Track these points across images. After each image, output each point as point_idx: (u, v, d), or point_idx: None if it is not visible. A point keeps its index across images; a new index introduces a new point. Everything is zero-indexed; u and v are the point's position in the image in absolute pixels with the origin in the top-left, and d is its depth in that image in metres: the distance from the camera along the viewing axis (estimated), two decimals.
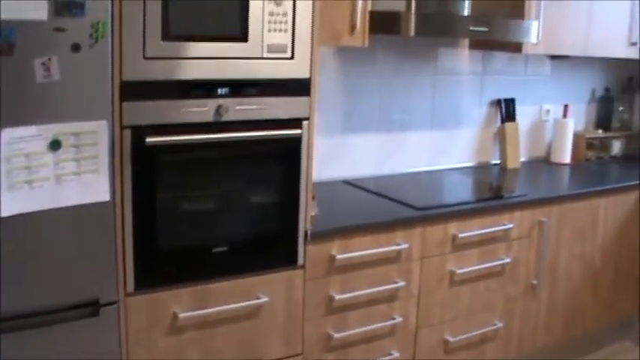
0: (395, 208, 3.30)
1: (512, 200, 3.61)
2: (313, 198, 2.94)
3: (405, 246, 3.16)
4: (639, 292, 4.46)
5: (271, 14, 2.64)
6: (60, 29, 2.20)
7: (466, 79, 4.20)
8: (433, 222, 3.26)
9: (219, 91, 2.58)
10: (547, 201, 3.74)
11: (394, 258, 3.15)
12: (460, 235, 3.34)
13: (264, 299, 2.81)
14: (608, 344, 4.45)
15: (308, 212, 2.86)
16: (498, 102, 4.33)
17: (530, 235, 3.69)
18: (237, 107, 2.61)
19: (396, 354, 3.29)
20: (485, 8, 3.76)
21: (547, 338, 3.97)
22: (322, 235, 2.91)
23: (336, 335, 3.05)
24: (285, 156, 2.78)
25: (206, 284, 2.69)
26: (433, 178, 4.00)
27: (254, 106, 2.65)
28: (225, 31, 2.58)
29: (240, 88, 2.62)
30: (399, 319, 3.25)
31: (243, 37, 2.60)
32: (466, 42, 4.14)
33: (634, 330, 4.52)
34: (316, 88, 2.81)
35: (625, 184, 4.19)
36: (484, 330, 3.62)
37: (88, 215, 2.37)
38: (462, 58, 4.17)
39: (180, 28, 2.47)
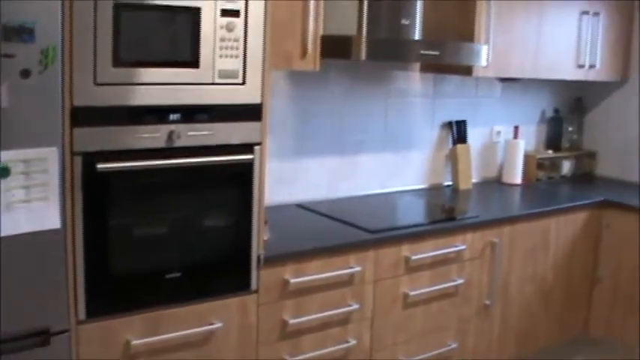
0: (348, 231, 3.31)
1: (464, 222, 3.64)
2: (266, 222, 2.95)
3: (358, 269, 3.17)
4: (589, 310, 4.52)
5: (223, 40, 2.65)
6: (9, 55, 2.18)
7: (418, 101, 4.24)
8: (386, 245, 3.27)
9: (171, 117, 2.58)
10: (499, 222, 3.78)
11: (347, 281, 3.16)
12: (413, 257, 3.36)
13: (217, 325, 2.79)
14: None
15: (260, 237, 2.86)
16: (450, 124, 4.38)
17: (483, 255, 3.72)
18: (189, 133, 2.61)
19: None
20: (436, 33, 3.81)
21: (500, 358, 4.00)
22: (275, 259, 2.91)
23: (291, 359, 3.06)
24: (238, 181, 2.78)
25: (159, 310, 2.67)
26: (386, 200, 4.02)
27: (206, 132, 2.65)
28: (176, 57, 2.58)
29: (192, 113, 2.62)
30: (353, 342, 3.25)
31: (194, 62, 2.60)
32: (417, 65, 4.18)
33: (585, 346, 4.58)
34: (268, 113, 2.82)
35: (575, 204, 4.26)
36: (438, 351, 3.63)
37: (39, 243, 2.34)
38: (413, 80, 4.21)
39: (131, 54, 2.47)
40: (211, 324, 2.78)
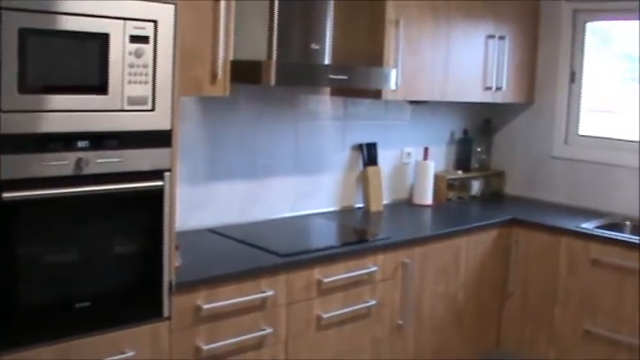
0: (259, 255, 3.31)
1: (375, 243, 3.69)
2: (177, 248, 2.93)
3: (270, 293, 3.17)
4: (500, 325, 4.61)
5: (131, 66, 2.63)
6: None
7: (328, 124, 4.28)
8: (297, 268, 3.29)
9: (79, 144, 2.54)
10: (410, 243, 3.84)
11: (260, 305, 3.16)
12: (325, 280, 3.38)
13: (129, 353, 2.75)
14: None
15: (172, 263, 2.84)
16: (360, 146, 4.43)
17: (395, 276, 3.77)
18: (98, 160, 2.58)
19: None
20: (346, 57, 3.86)
21: None
22: (187, 285, 2.89)
23: None
24: (148, 207, 2.76)
25: (70, 341, 2.61)
26: (297, 223, 4.04)
27: (115, 159, 2.63)
28: (85, 83, 2.55)
29: (100, 141, 2.59)
30: None
31: (102, 89, 2.58)
32: (328, 89, 4.22)
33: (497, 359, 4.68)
34: (177, 139, 2.81)
35: (485, 223, 4.36)
36: None
37: None
38: (324, 104, 4.25)
39: (37, 80, 2.43)
40: (123, 353, 2.74)
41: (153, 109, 2.71)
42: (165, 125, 2.75)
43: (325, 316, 3.42)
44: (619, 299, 4.11)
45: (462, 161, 5.16)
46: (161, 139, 2.75)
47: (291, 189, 4.13)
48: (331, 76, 3.55)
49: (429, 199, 4.72)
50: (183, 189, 3.51)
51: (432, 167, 4.75)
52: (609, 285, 4.14)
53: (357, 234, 3.96)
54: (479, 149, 5.28)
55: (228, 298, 3.03)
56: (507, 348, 4.63)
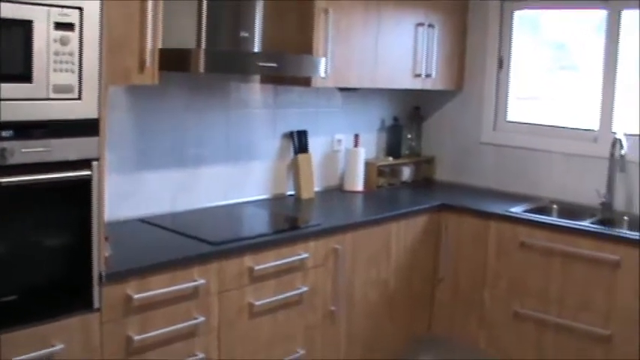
0: (191, 244, 3.29)
1: (306, 230, 3.70)
2: (107, 239, 2.90)
3: (202, 282, 3.16)
4: (431, 310, 4.67)
5: (57, 54, 2.58)
6: None
7: (259, 112, 4.27)
8: (229, 256, 3.28)
9: (3, 133, 2.48)
10: (341, 229, 3.86)
11: (192, 294, 3.15)
12: (257, 268, 3.39)
13: (59, 347, 2.70)
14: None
15: (101, 254, 2.81)
16: (291, 134, 4.43)
17: (326, 263, 3.79)
18: (23, 150, 2.53)
19: None
20: (276, 45, 3.86)
21: None
22: (117, 276, 2.86)
23: None
24: (76, 198, 2.71)
25: None
26: (229, 212, 4.02)
27: (41, 149, 2.58)
28: (8, 72, 2.49)
29: (25, 130, 2.53)
30: (200, 355, 3.23)
31: (27, 77, 2.53)
32: (258, 77, 4.21)
33: (430, 346, 4.73)
34: (105, 127, 2.77)
35: (415, 209, 4.41)
36: (287, 359, 3.67)
37: None
38: (254, 92, 4.24)
39: None
40: (52, 346, 2.69)
41: (79, 98, 2.66)
42: (92, 114, 2.71)
43: (257, 303, 3.43)
44: (546, 281, 4.20)
45: (393, 148, 5.20)
46: (88, 128, 2.70)
47: (223, 177, 4.12)
48: (261, 64, 3.54)
49: (359, 186, 4.75)
50: (113, 179, 3.49)
51: (363, 154, 4.78)
52: (537, 267, 4.23)
53: (288, 221, 3.97)
54: (409, 136, 5.33)
55: (159, 288, 3.01)
56: (439, 332, 4.69)
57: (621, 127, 4.54)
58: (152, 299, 3.00)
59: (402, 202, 4.69)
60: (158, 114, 3.76)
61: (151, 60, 3.16)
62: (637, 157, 4.46)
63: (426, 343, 4.75)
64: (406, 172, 5.16)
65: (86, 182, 2.71)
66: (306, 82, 3.98)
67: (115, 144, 3.50)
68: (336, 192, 4.74)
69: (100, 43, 2.71)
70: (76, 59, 2.64)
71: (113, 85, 3.26)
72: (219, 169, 4.09)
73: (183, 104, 3.87)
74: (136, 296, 2.93)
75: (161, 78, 3.25)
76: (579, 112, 4.81)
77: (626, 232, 4.11)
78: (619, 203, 4.56)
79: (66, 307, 2.74)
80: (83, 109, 2.69)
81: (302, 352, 3.74)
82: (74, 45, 2.63)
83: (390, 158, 5.11)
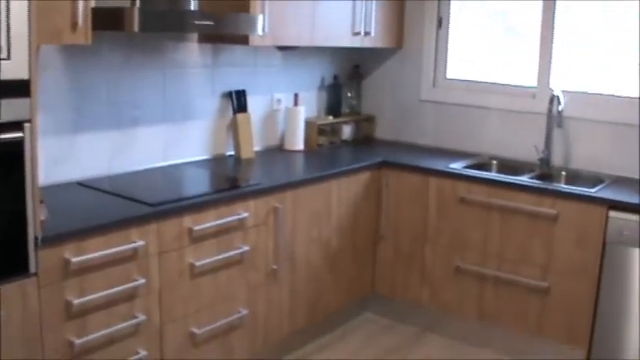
0: (129, 206, 3.25)
1: (246, 189, 3.68)
2: (42, 202, 2.85)
3: (141, 243, 3.13)
4: (374, 269, 4.71)
5: None
6: None
7: (197, 72, 4.21)
8: (167, 217, 3.25)
9: None
10: (281, 188, 3.85)
11: (131, 256, 3.12)
12: (196, 228, 3.37)
13: None
14: (352, 318, 4.69)
15: (37, 217, 2.76)
16: (230, 94, 4.39)
17: (267, 222, 3.78)
18: None
19: (143, 352, 3.26)
20: (213, 4, 3.81)
21: (293, 321, 4.10)
22: (54, 239, 2.81)
23: (78, 341, 2.96)
24: (8, 161, 2.65)
25: None
26: (168, 173, 3.98)
27: None
28: None
29: None
30: (142, 318, 3.22)
31: None
32: (195, 36, 4.15)
33: (373, 305, 4.77)
34: (37, 88, 2.71)
35: (355, 166, 4.41)
36: (229, 319, 3.67)
37: None
38: (191, 51, 4.18)
39: None
40: None
41: (8, 58, 2.59)
42: (22, 74, 2.64)
43: (198, 264, 3.41)
44: (486, 235, 4.26)
45: (333, 107, 5.19)
46: (19, 88, 2.63)
47: (161, 138, 4.07)
48: (197, 22, 3.48)
49: (300, 145, 4.74)
50: (48, 141, 3.44)
51: (303, 113, 4.76)
52: (477, 222, 4.28)
53: (227, 181, 3.94)
54: (349, 94, 5.32)
55: (97, 250, 2.97)
56: (382, 291, 4.74)
57: (559, 84, 4.59)
58: (90, 262, 2.96)
59: (342, 160, 4.68)
60: (93, 74, 3.69)
61: (83, 19, 3.08)
62: (574, 112, 4.51)
63: (369, 300, 4.79)
64: (347, 131, 5.16)
65: (18, 144, 2.65)
66: (243, 40, 3.94)
67: (49, 106, 3.44)
68: (277, 151, 4.71)
69: (29, 2, 2.63)
70: (3, 19, 2.56)
71: (45, 45, 3.18)
72: (157, 130, 4.04)
73: (120, 64, 3.80)
74: (74, 259, 2.89)
75: (95, 37, 3.17)
76: (518, 70, 4.84)
77: (563, 187, 4.17)
78: (557, 158, 4.63)
79: (2, 273, 2.68)
80: (13, 70, 2.61)
81: (245, 311, 3.74)
82: (1, 4, 2.55)
83: (331, 117, 5.10)
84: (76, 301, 2.93)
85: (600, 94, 4.51)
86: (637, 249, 3.80)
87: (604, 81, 4.52)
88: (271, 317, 3.95)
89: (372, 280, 4.73)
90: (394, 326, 4.69)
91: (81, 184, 3.61)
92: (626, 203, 3.83)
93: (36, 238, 2.76)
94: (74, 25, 3.06)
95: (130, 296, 3.16)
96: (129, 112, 3.88)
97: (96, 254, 2.97)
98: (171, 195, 3.45)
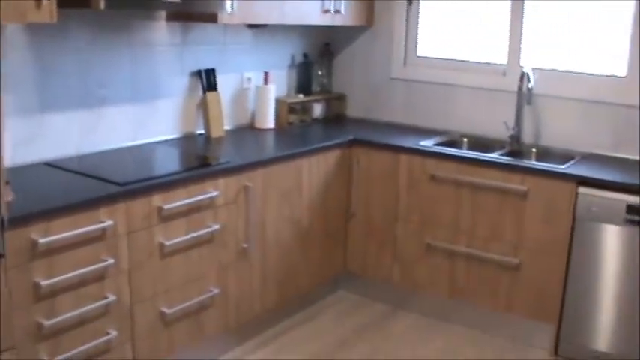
0: (98, 186, 3.22)
1: (216, 168, 3.66)
2: (8, 183, 2.82)
3: (110, 223, 3.11)
4: (345, 247, 4.71)
5: None
6: None
7: (166, 50, 4.17)
8: (136, 196, 3.23)
9: None
10: (251, 166, 3.84)
11: (100, 236, 3.10)
12: (166, 207, 3.35)
13: None
14: (324, 296, 4.70)
15: (2, 198, 2.72)
16: (199, 72, 4.36)
17: (237, 200, 3.77)
18: None
19: (114, 333, 3.25)
20: None
21: (264, 300, 4.10)
22: (20, 220, 2.78)
23: (47, 322, 2.95)
24: None
25: None
26: (137, 152, 3.95)
27: None
28: None
29: None
30: (112, 298, 3.20)
31: None
32: (164, 14, 4.11)
33: (346, 281, 4.78)
34: (1, 68, 2.67)
35: (326, 144, 4.40)
36: (200, 298, 3.66)
37: None
38: (160, 30, 4.13)
39: None
40: None
41: None
42: None
43: (168, 243, 3.40)
44: (457, 212, 4.27)
45: (303, 85, 5.17)
46: None
47: (130, 118, 4.03)
48: (164, 0, 3.46)
49: (270, 124, 4.72)
50: (15, 122, 3.41)
51: (273, 91, 4.73)
52: (447, 199, 4.29)
53: (197, 160, 3.91)
54: (320, 72, 5.30)
55: (65, 231, 2.95)
56: (354, 269, 4.75)
57: (529, 61, 4.60)
58: (58, 243, 2.94)
59: (313, 138, 4.67)
60: (60, 54, 3.64)
61: None
62: (545, 90, 4.53)
63: (341, 278, 4.80)
64: (317, 109, 5.15)
65: None
66: (212, 18, 3.90)
67: (15, 86, 3.40)
68: (247, 130, 4.69)
69: None
70: None
71: (9, 23, 3.14)
72: (125, 110, 4.00)
73: (87, 43, 3.75)
74: (42, 240, 2.87)
75: (61, 16, 3.12)
76: (489, 48, 4.85)
77: (533, 163, 4.20)
78: (527, 136, 4.64)
79: None
80: None
81: (216, 290, 3.74)
82: None
83: (301, 95, 5.07)
84: (44, 283, 2.91)
85: (570, 72, 4.52)
86: (606, 225, 3.84)
87: (574, 58, 4.53)
88: (242, 296, 3.95)
89: (343, 259, 4.74)
90: (366, 304, 4.71)
91: (49, 164, 3.58)
92: (595, 179, 3.85)
93: (2, 219, 2.72)
94: (39, 2, 3.01)
95: (99, 276, 3.14)
96: (97, 91, 3.84)
97: (64, 235, 2.95)
98: (140, 174, 3.43)
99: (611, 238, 3.85)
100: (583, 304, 3.98)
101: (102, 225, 3.09)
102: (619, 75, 4.36)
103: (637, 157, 4.30)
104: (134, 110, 4.04)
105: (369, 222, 4.62)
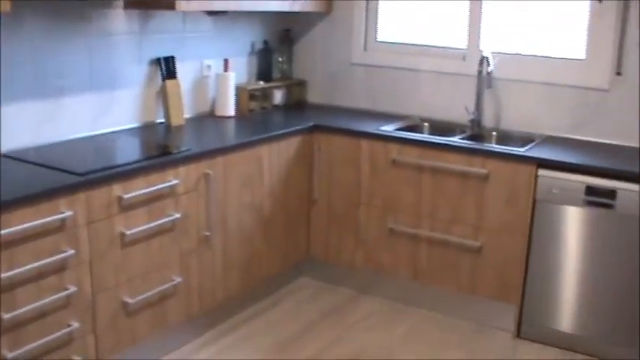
0: (56, 176, 3.18)
1: (176, 156, 3.63)
2: None
3: (69, 213, 3.08)
4: (308, 233, 4.72)
5: None
6: None
7: (124, 39, 4.12)
8: (96, 186, 3.20)
9: None
10: (211, 154, 3.82)
11: (59, 227, 3.06)
12: (126, 196, 3.32)
13: None
14: (288, 283, 4.71)
15: None
16: (158, 60, 4.32)
17: (198, 188, 3.75)
18: None
19: (75, 324, 3.22)
20: None
21: (227, 288, 4.09)
22: None
23: (7, 316, 2.91)
24: None
25: None
26: (97, 142, 3.91)
27: None
28: None
29: None
30: (73, 289, 3.17)
31: None
32: (121, 2, 4.06)
33: (309, 266, 4.78)
34: None
35: (287, 131, 4.38)
36: (163, 287, 3.64)
37: None
38: (117, 18, 4.08)
39: None
40: None
41: None
42: None
43: (129, 232, 3.37)
44: (419, 196, 4.29)
45: (264, 72, 5.15)
46: None
47: (89, 107, 3.98)
48: None
49: (231, 111, 4.70)
50: None
51: (233, 79, 4.70)
52: (409, 183, 4.30)
53: (157, 148, 3.87)
54: (280, 59, 5.29)
55: (24, 222, 2.91)
56: (317, 255, 4.75)
57: (488, 46, 4.62)
58: (17, 235, 2.90)
59: (273, 125, 4.65)
60: (15, 44, 3.57)
61: None
62: (505, 74, 4.56)
63: (304, 264, 4.80)
64: (278, 96, 5.13)
65: None
66: (169, 5, 3.86)
67: None
68: (208, 118, 4.66)
69: None
70: None
71: None
72: (84, 99, 3.95)
73: (43, 33, 3.69)
74: (1, 232, 2.82)
75: (15, 5, 3.09)
76: (449, 32, 4.86)
77: (494, 147, 4.21)
78: (488, 119, 4.67)
79: None
80: None
81: (178, 279, 3.72)
82: None
83: (261, 82, 5.05)
84: (3, 275, 2.87)
85: (530, 55, 4.55)
86: (566, 206, 3.87)
87: (533, 42, 4.55)
88: (205, 284, 3.93)
89: (306, 244, 4.74)
90: (330, 289, 4.72)
91: (6, 156, 3.52)
92: (555, 161, 3.89)
93: None
94: None
95: (59, 268, 3.11)
96: (54, 81, 3.78)
97: (23, 226, 2.91)
98: (99, 164, 3.39)
99: (572, 220, 3.89)
100: (545, 286, 4.02)
101: (61, 215, 3.05)
102: (578, 58, 4.40)
103: (596, 139, 4.35)
104: (93, 100, 3.99)
105: (331, 207, 4.62)
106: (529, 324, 4.12)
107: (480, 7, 4.65)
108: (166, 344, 3.81)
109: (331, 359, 3.89)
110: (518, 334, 4.17)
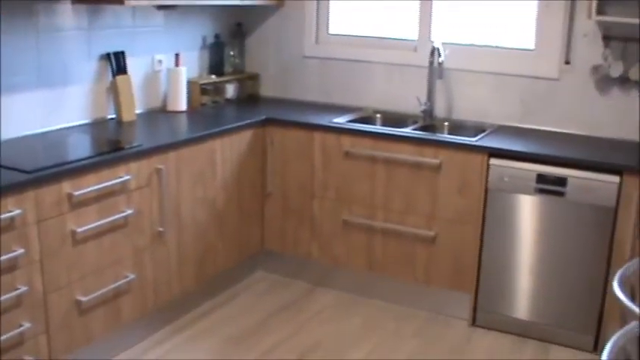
0: (4, 175, 3.11)
1: (127, 152, 3.60)
2: None
3: (18, 212, 3.03)
4: (262, 226, 4.71)
5: None
6: None
7: (72, 35, 4.07)
8: (45, 183, 3.15)
9: None
10: (162, 149, 3.80)
11: (8, 226, 3.01)
12: (76, 193, 3.28)
13: None
14: (243, 277, 4.70)
15: None
16: (108, 56, 4.28)
17: (150, 184, 3.73)
18: None
19: (27, 324, 3.18)
20: None
21: (182, 283, 4.08)
22: None
23: None
24: None
25: None
26: (46, 139, 3.85)
27: None
28: None
29: None
30: (24, 289, 3.13)
31: None
32: None
33: (265, 260, 4.78)
34: None
35: (238, 124, 4.38)
36: (116, 284, 3.62)
37: None
38: (65, 13, 4.03)
39: None
40: None
41: None
42: None
43: (80, 230, 3.34)
44: (372, 188, 4.31)
45: (216, 66, 5.12)
46: None
47: (38, 104, 3.92)
48: None
49: (182, 106, 4.67)
50: None
51: (185, 73, 4.68)
52: (362, 175, 4.32)
53: (108, 144, 3.82)
54: (232, 53, 5.26)
55: None
56: (272, 248, 4.75)
57: (439, 36, 4.64)
58: None
59: (226, 119, 4.63)
60: None
61: None
62: (456, 64, 4.59)
63: (259, 258, 4.80)
64: (230, 90, 5.11)
65: None
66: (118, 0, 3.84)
67: None
68: (159, 113, 4.62)
69: None
70: None
71: None
72: (33, 96, 3.88)
73: None
74: None
75: None
76: (400, 24, 4.88)
77: (446, 137, 4.25)
78: (439, 110, 4.70)
79: None
80: None
81: (132, 275, 3.69)
82: None
83: (213, 76, 5.03)
84: None
85: (480, 46, 4.59)
86: (518, 194, 3.91)
87: (484, 33, 4.59)
88: (160, 280, 3.91)
89: (261, 238, 4.74)
90: (286, 282, 4.72)
91: None
92: (506, 150, 3.93)
93: None
94: None
95: (9, 267, 3.06)
96: (1, 79, 3.71)
97: None
98: (48, 161, 3.34)
99: (524, 207, 3.93)
100: (499, 274, 4.06)
101: (10, 214, 3.01)
102: (528, 48, 4.45)
103: (546, 128, 4.40)
104: (42, 96, 3.94)
105: (285, 200, 4.62)
106: (484, 311, 4.16)
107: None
108: (121, 342, 3.79)
109: (287, 352, 3.90)
110: (474, 321, 4.21)
